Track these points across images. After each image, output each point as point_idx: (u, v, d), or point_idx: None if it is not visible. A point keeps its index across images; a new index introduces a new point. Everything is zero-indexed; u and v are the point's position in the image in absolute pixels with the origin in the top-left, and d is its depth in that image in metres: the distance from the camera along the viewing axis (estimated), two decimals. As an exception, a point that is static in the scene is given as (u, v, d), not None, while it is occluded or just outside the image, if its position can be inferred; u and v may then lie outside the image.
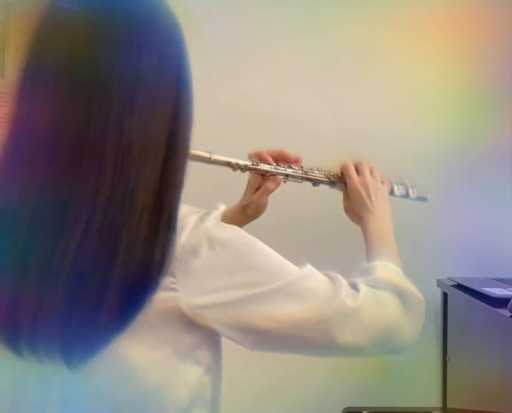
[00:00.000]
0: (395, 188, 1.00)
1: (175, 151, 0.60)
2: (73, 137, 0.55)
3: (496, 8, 1.53)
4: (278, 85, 1.52)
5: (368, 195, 0.90)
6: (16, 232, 0.55)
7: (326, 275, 0.66)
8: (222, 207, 0.63)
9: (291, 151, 1.48)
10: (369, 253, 0.83)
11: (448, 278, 1.44)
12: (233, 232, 0.62)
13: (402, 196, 1.02)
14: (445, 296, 1.44)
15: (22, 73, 0.58)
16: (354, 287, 0.68)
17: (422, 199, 1.05)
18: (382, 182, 0.95)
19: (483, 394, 1.15)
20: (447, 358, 1.43)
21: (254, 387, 1.49)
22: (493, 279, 1.38)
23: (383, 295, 0.69)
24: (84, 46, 0.56)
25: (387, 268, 0.75)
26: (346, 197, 0.95)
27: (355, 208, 0.91)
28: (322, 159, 1.50)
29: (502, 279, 1.36)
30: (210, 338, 0.64)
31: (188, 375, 0.62)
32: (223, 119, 1.49)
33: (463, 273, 1.44)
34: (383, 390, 1.51)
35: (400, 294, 0.70)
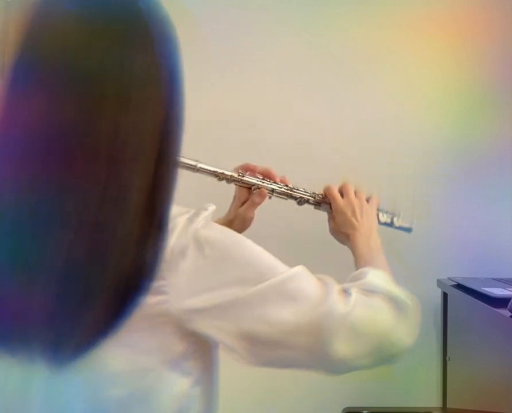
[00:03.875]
0: (380, 215, 1.01)
1: (167, 152, 0.59)
2: (66, 135, 0.54)
3: (496, 8, 1.53)
4: (278, 85, 1.52)
5: (353, 214, 0.90)
6: (7, 230, 0.54)
7: (318, 278, 0.65)
8: (212, 208, 0.63)
9: (290, 149, 1.49)
10: (358, 267, 0.82)
11: (448, 278, 1.44)
12: (222, 232, 0.62)
13: (385, 224, 1.02)
14: (445, 296, 1.44)
15: (13, 69, 0.57)
16: (345, 291, 0.66)
17: (405, 229, 1.06)
18: (367, 200, 0.95)
19: (483, 394, 1.15)
20: (447, 358, 1.43)
21: (254, 387, 1.49)
22: (493, 279, 1.38)
23: (375, 300, 0.68)
24: (76, 41, 0.55)
25: (377, 274, 0.74)
26: (332, 218, 0.95)
27: (341, 228, 0.92)
28: (322, 159, 1.50)
29: (502, 279, 1.36)
30: (202, 349, 0.63)
31: (175, 386, 0.61)
32: (222, 120, 1.49)
33: (463, 273, 1.44)
34: (383, 390, 1.51)
35: (393, 299, 0.69)
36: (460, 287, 1.34)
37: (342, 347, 0.62)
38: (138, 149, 0.56)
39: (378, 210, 1.01)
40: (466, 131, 1.52)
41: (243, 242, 0.62)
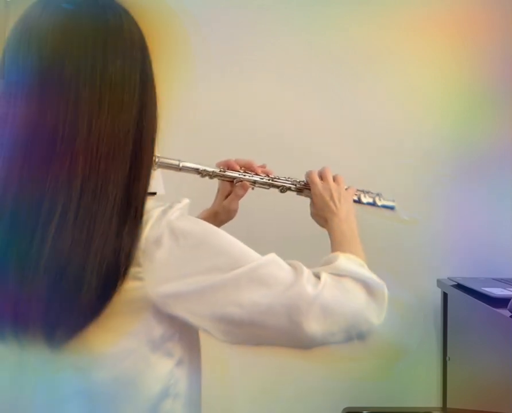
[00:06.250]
0: (362, 196, 1.04)
1: (141, 149, 0.64)
2: (45, 134, 0.59)
3: (496, 8, 1.53)
4: (278, 85, 1.52)
5: (332, 199, 0.94)
6: None
7: (289, 264, 0.70)
8: (185, 201, 0.67)
9: (290, 149, 1.49)
10: (334, 250, 0.86)
11: (448, 278, 1.44)
12: (195, 222, 0.66)
13: (368, 203, 1.05)
14: (445, 296, 1.45)
15: (1, 71, 0.62)
16: (316, 275, 0.71)
17: (388, 207, 1.08)
18: (346, 189, 1.00)
19: (483, 394, 1.15)
20: (447, 358, 1.43)
21: (254, 387, 1.49)
22: (493, 279, 1.38)
23: (345, 282, 0.72)
24: (51, 48, 0.60)
25: (348, 258, 0.78)
26: (312, 203, 0.99)
27: (320, 211, 0.96)
28: (322, 159, 1.50)
29: (502, 279, 1.36)
30: (183, 330, 0.67)
31: (159, 366, 0.65)
32: (222, 120, 1.49)
33: (463, 273, 1.44)
34: (383, 390, 1.51)
35: (362, 281, 0.73)
36: (460, 287, 1.34)
37: (313, 326, 0.66)
38: (112, 146, 0.61)
39: (360, 191, 1.05)
40: (466, 131, 1.52)
41: (216, 232, 0.67)
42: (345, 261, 0.76)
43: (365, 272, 0.76)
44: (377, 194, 1.07)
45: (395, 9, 1.52)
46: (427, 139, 1.53)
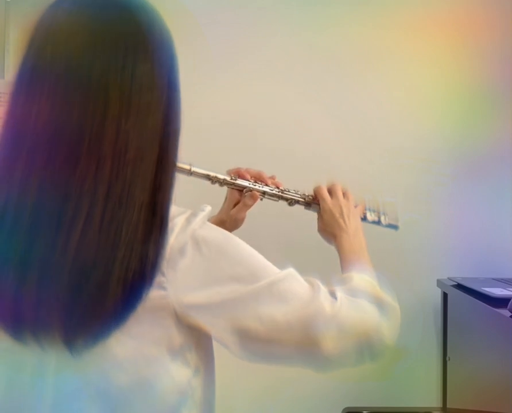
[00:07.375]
0: (368, 214, 1.04)
1: (167, 153, 0.63)
2: (71, 136, 0.57)
3: (496, 8, 1.53)
4: (278, 85, 1.52)
5: (341, 215, 0.93)
6: (17, 228, 0.57)
7: (307, 280, 0.69)
8: (208, 209, 0.66)
9: (290, 149, 1.49)
10: (344, 267, 0.86)
11: (448, 278, 1.44)
12: (218, 232, 0.66)
13: (374, 222, 1.05)
14: (445, 296, 1.45)
15: (20, 71, 0.61)
16: (332, 294, 0.70)
17: (392, 227, 1.08)
18: (355, 206, 0.99)
19: (483, 394, 1.15)
20: (447, 358, 1.43)
21: (254, 387, 1.49)
22: (493, 279, 1.38)
23: (359, 302, 0.71)
24: (81, 48, 0.59)
25: (362, 278, 0.77)
26: (320, 218, 0.98)
27: (328, 227, 0.95)
28: (322, 159, 1.50)
29: (502, 279, 1.36)
30: (200, 340, 0.66)
31: (178, 375, 0.64)
32: (222, 120, 1.49)
33: (463, 273, 1.44)
34: (383, 390, 1.51)
35: (376, 302, 0.73)
36: (460, 287, 1.34)
37: (329, 346, 0.66)
38: (139, 150, 0.59)
39: (366, 209, 1.04)
40: (466, 131, 1.53)
41: (237, 243, 0.66)
42: (360, 281, 0.76)
43: (379, 293, 0.75)
44: (383, 213, 1.06)
45: (395, 9, 1.52)
46: (427, 139, 1.53)
